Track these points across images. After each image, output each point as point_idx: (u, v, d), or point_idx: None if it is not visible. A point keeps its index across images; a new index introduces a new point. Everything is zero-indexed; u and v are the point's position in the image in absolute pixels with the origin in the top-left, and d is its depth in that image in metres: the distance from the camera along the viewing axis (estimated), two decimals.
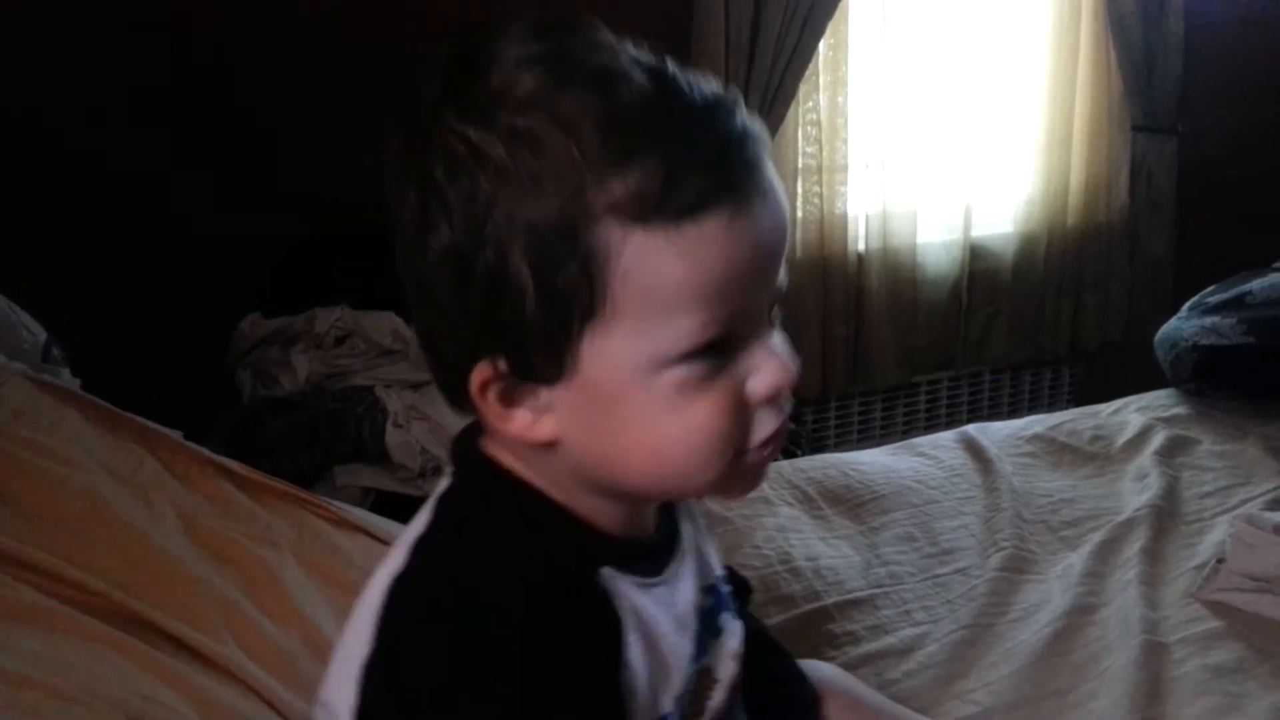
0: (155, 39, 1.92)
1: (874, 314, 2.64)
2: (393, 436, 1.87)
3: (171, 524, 0.94)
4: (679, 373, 0.54)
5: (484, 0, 1.31)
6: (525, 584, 0.56)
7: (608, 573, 0.60)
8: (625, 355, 0.54)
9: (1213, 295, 1.90)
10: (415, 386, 1.91)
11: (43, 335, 1.37)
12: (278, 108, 2.01)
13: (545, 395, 0.56)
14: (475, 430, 0.63)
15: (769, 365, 0.57)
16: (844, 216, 2.55)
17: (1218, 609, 1.24)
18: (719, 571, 0.75)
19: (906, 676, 1.14)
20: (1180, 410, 1.80)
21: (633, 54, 0.55)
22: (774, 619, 1.22)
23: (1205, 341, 1.78)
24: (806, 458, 1.70)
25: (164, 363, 1.94)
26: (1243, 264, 2.00)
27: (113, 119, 1.91)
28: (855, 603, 1.27)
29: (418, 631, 0.56)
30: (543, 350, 0.54)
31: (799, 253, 2.53)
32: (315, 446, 1.88)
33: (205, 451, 1.06)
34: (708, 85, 0.55)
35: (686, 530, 0.70)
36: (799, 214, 2.52)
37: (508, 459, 0.61)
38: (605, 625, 0.58)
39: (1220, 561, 1.30)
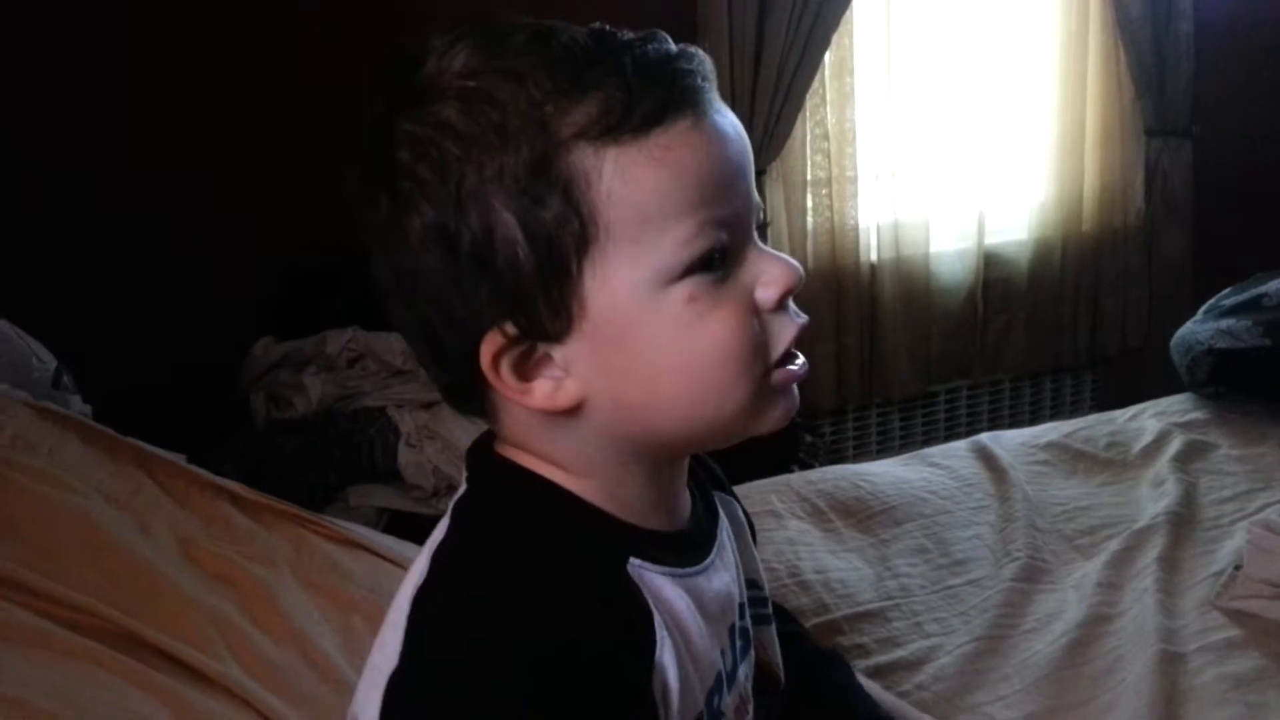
0: (160, 67, 1.94)
1: (888, 324, 2.63)
2: (405, 456, 1.88)
3: (168, 546, 0.94)
4: (686, 287, 0.54)
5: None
6: (545, 587, 0.54)
7: (636, 564, 0.57)
8: (629, 280, 0.53)
9: (1229, 298, 1.87)
10: (427, 406, 1.92)
11: (53, 363, 1.38)
12: (289, 131, 2.03)
13: (560, 357, 0.55)
14: (489, 437, 0.61)
15: (773, 269, 0.57)
16: (855, 227, 2.55)
17: (1236, 617, 1.22)
18: (757, 575, 0.73)
19: (918, 689, 1.13)
20: (1197, 415, 1.77)
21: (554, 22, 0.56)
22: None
23: (1221, 345, 1.76)
24: (817, 470, 1.69)
25: (177, 388, 1.95)
26: (1262, 265, 1.97)
27: (118, 145, 1.93)
28: (865, 615, 1.26)
29: (446, 644, 0.54)
30: (547, 300, 0.53)
31: (810, 264, 2.52)
32: (329, 468, 1.89)
33: (204, 473, 1.07)
34: (640, 31, 0.57)
35: (724, 522, 0.68)
36: (810, 226, 2.52)
37: (523, 458, 0.59)
38: (634, 623, 0.56)
39: (1238, 568, 1.27)
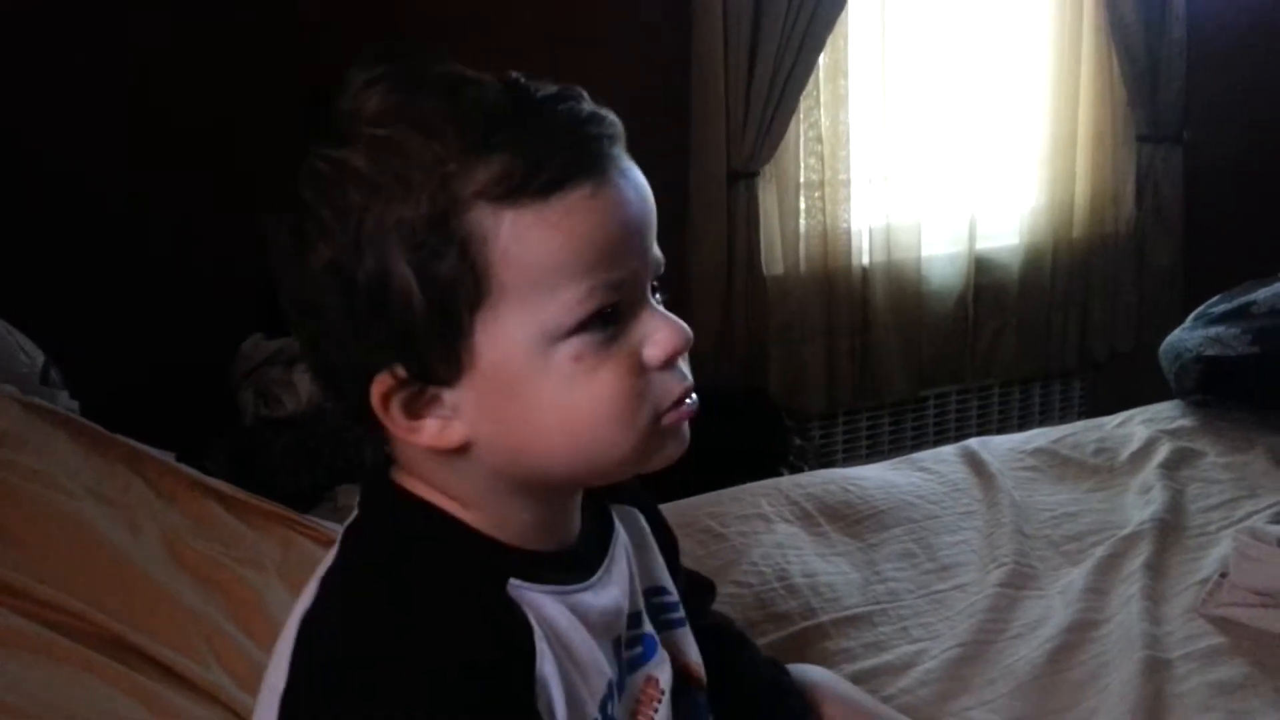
0: (154, 64, 1.93)
1: (879, 328, 2.63)
2: None
3: (156, 547, 0.94)
4: (574, 345, 0.56)
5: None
6: (425, 608, 0.56)
7: (515, 584, 0.59)
8: (519, 336, 0.55)
9: (1218, 305, 1.88)
10: None
11: (41, 358, 1.37)
12: (281, 129, 2.02)
13: (449, 399, 0.57)
14: (385, 463, 0.63)
15: (662, 329, 0.59)
16: (848, 231, 2.55)
17: (1221, 624, 1.22)
18: (663, 582, 0.75)
19: (903, 693, 1.13)
20: (1185, 422, 1.78)
21: (472, 71, 0.57)
22: (769, 636, 1.21)
23: (1210, 352, 1.76)
24: (806, 474, 1.69)
25: (166, 384, 1.94)
26: (1253, 272, 1.98)
27: (112, 142, 1.93)
28: (852, 620, 1.26)
29: (321, 668, 0.56)
30: (437, 348, 0.55)
31: (802, 267, 2.52)
32: (317, 466, 1.88)
33: (193, 472, 1.07)
34: (550, 85, 0.58)
35: (620, 535, 0.70)
36: (802, 229, 2.52)
37: (417, 486, 0.61)
38: (513, 638, 0.58)
39: (1224, 576, 1.28)
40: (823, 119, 2.48)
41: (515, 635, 0.58)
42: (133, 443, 1.07)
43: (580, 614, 0.62)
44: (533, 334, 0.55)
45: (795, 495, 1.53)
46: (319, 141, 0.56)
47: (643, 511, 0.77)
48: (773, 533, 1.43)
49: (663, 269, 0.61)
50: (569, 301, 0.55)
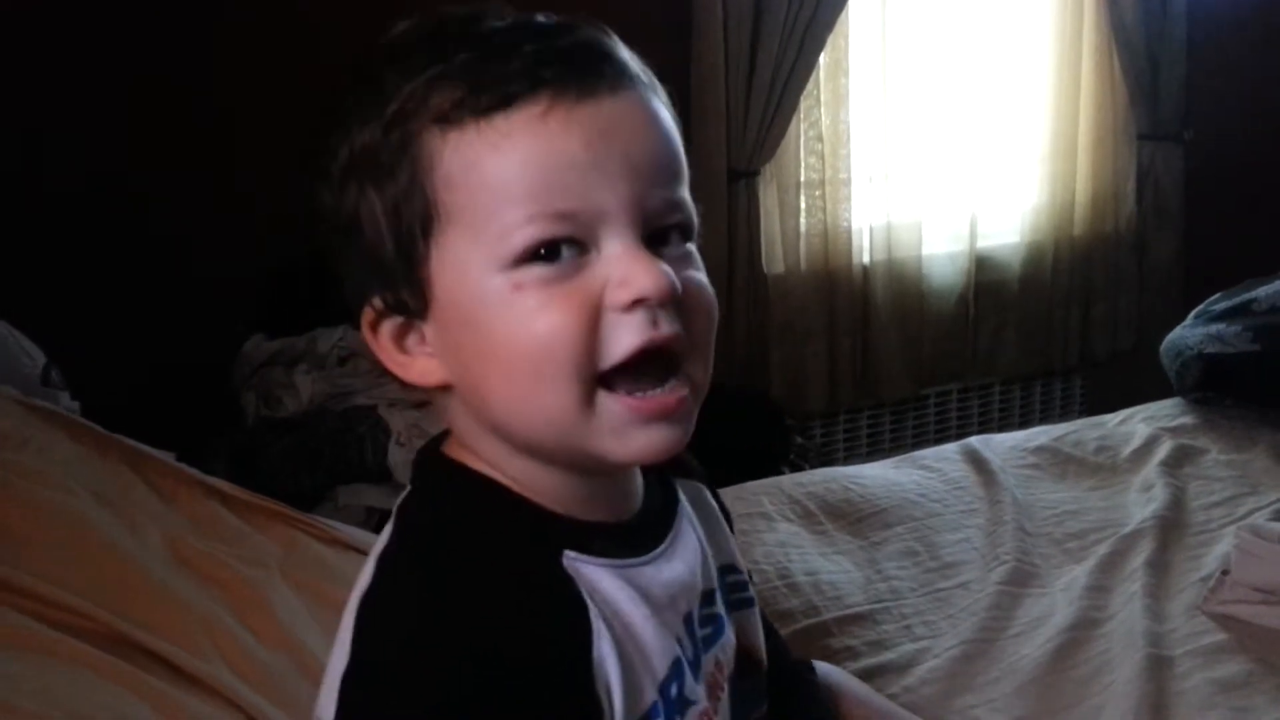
0: (157, 65, 1.93)
1: (880, 327, 2.63)
2: (395, 455, 1.87)
3: (158, 547, 0.94)
4: (516, 275, 0.52)
5: None
6: (479, 587, 0.55)
7: (571, 556, 0.57)
8: (465, 264, 0.53)
9: (1218, 303, 1.88)
10: (418, 405, 1.91)
11: (42, 359, 1.38)
12: (283, 130, 2.02)
13: (428, 335, 0.57)
14: (439, 438, 0.62)
15: (634, 268, 0.52)
16: (848, 230, 2.55)
17: (1224, 621, 1.22)
18: (735, 560, 0.72)
19: (906, 692, 1.13)
20: (1187, 420, 1.78)
21: (510, 12, 0.56)
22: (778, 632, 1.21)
23: (1210, 350, 1.77)
24: (807, 472, 1.69)
25: (168, 385, 1.94)
26: (1253, 270, 1.98)
27: (113, 141, 1.93)
28: (855, 618, 1.26)
29: (382, 649, 0.55)
30: (405, 278, 0.55)
31: (803, 266, 2.52)
32: (319, 466, 1.88)
33: (194, 472, 1.07)
34: (572, 20, 0.56)
35: (686, 509, 0.67)
36: (803, 228, 2.52)
37: (465, 455, 0.60)
38: (568, 617, 0.55)
39: (1226, 573, 1.28)
40: (823, 118, 2.48)
41: (571, 614, 0.55)
42: (134, 443, 1.07)
43: (641, 589, 0.59)
44: (477, 260, 0.53)
45: (797, 494, 1.53)
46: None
47: (707, 488, 0.74)
48: (775, 531, 1.43)
49: (685, 218, 0.56)
50: (507, 227, 0.52)
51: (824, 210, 2.52)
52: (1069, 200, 2.78)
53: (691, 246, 0.58)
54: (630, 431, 0.54)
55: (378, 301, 0.56)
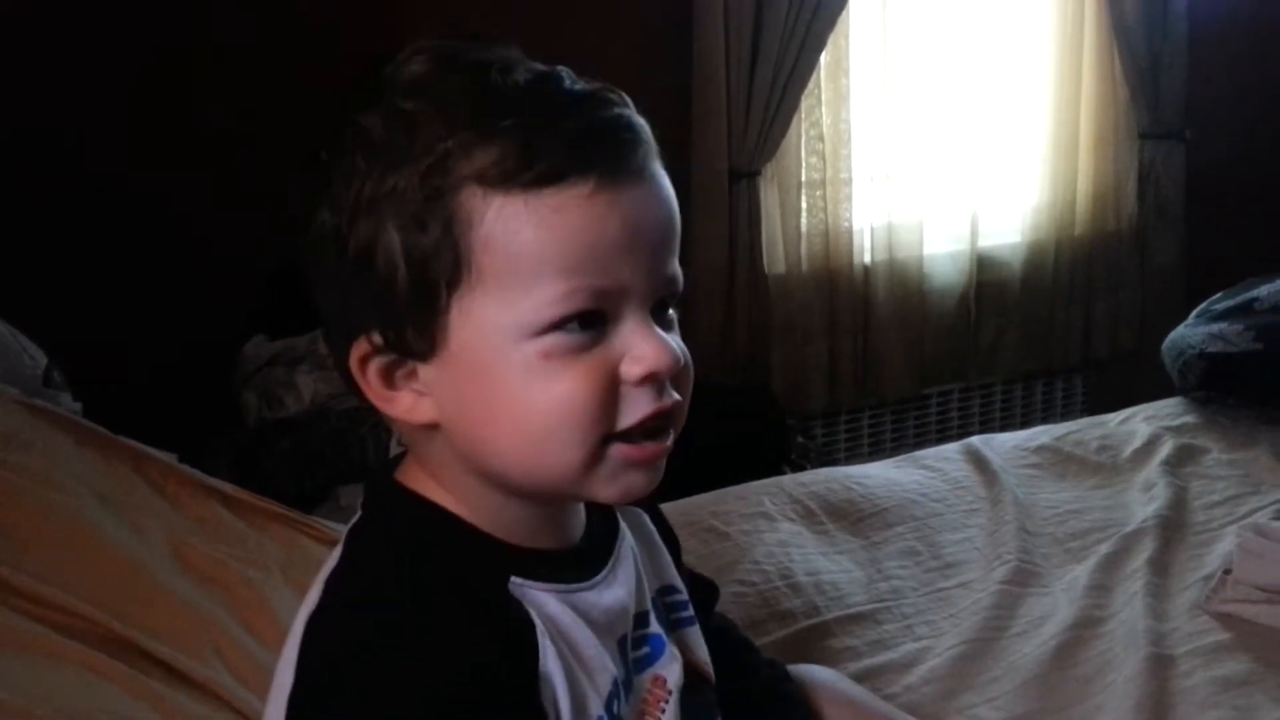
0: (158, 66, 1.94)
1: (881, 326, 2.63)
2: None
3: (161, 548, 0.94)
4: (546, 342, 0.55)
5: None
6: (427, 608, 0.56)
7: (517, 582, 0.59)
8: (491, 324, 0.55)
9: (1220, 302, 1.88)
10: None
11: (44, 360, 1.37)
12: (284, 130, 2.02)
13: (423, 375, 0.57)
14: (392, 464, 0.64)
15: (647, 346, 0.56)
16: (849, 229, 2.55)
17: (1225, 621, 1.22)
18: (673, 580, 0.75)
19: (907, 691, 1.13)
20: (1188, 419, 1.78)
21: (528, 61, 0.57)
22: (773, 634, 1.21)
23: (1212, 349, 1.76)
24: (809, 472, 1.69)
25: (169, 386, 1.95)
26: (1255, 269, 1.98)
27: (114, 142, 1.93)
28: (856, 618, 1.26)
29: (326, 669, 0.56)
30: (414, 321, 0.56)
31: (804, 266, 2.52)
32: (319, 467, 1.88)
33: (197, 474, 1.07)
34: (593, 84, 0.57)
35: (626, 536, 0.70)
36: (804, 227, 2.52)
37: (419, 483, 0.61)
38: (516, 635, 0.57)
39: (1228, 572, 1.28)
40: (824, 117, 2.48)
41: (517, 632, 0.57)
42: (136, 444, 1.07)
43: (583, 613, 0.62)
44: (506, 324, 0.54)
45: (798, 494, 1.53)
46: (355, 105, 0.56)
47: (647, 512, 0.77)
48: (776, 531, 1.43)
49: (679, 288, 0.59)
50: (545, 299, 0.54)
51: (825, 210, 2.52)
52: (1070, 199, 2.77)
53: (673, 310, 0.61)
54: (623, 475, 0.58)
55: (376, 338, 0.56)
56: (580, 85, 0.57)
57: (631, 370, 0.56)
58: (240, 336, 2.01)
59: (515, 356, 0.55)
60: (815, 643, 1.21)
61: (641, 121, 0.58)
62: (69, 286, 1.88)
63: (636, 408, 0.57)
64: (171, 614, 0.88)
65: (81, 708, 0.75)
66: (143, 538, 0.94)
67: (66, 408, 1.26)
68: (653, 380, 0.57)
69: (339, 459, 1.87)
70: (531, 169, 0.53)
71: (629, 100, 0.58)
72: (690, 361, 0.60)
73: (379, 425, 1.91)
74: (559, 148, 0.54)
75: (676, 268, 0.59)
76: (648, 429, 0.58)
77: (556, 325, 0.55)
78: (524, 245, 0.53)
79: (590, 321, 0.55)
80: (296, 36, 2.01)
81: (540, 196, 0.53)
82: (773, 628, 1.23)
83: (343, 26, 2.01)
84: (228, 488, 1.07)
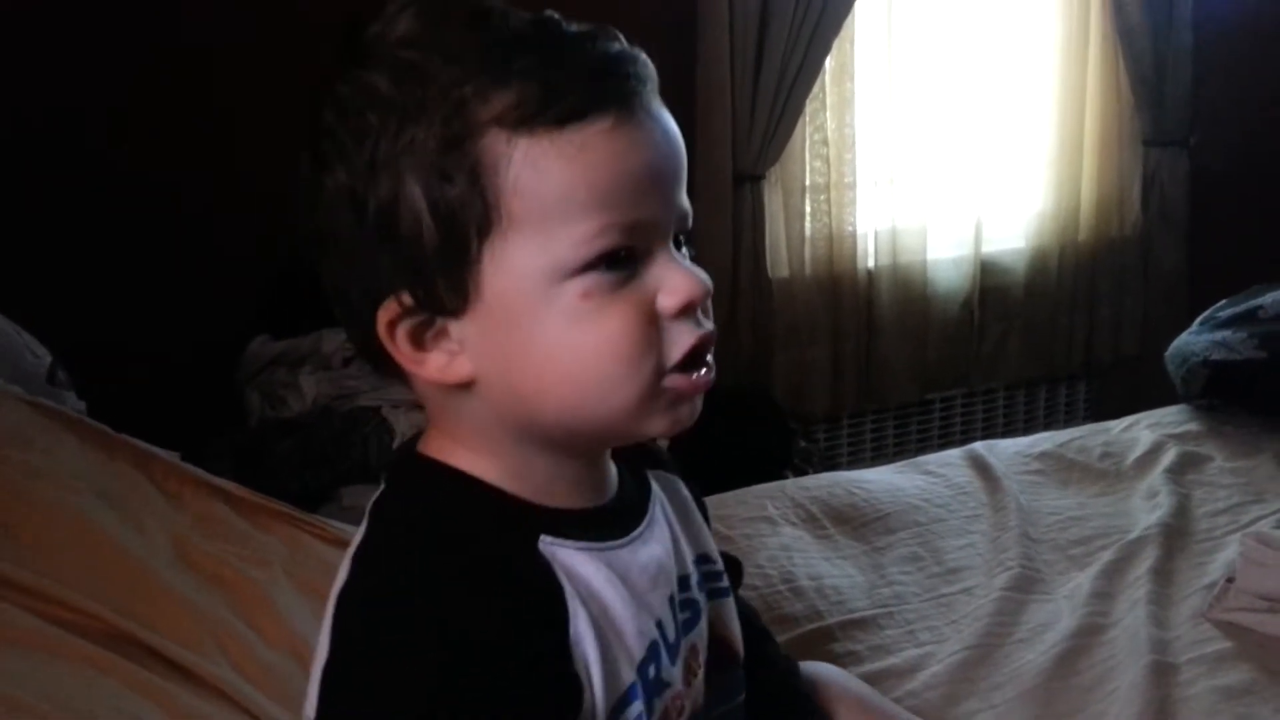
0: (162, 65, 1.94)
1: (885, 331, 2.63)
2: None
3: (164, 546, 0.94)
4: (583, 282, 0.54)
5: None
6: (453, 577, 0.55)
7: (547, 541, 0.58)
8: (526, 268, 0.54)
9: (1224, 309, 1.88)
10: (422, 407, 1.91)
11: (48, 358, 1.38)
12: (287, 129, 2.02)
13: (456, 331, 0.56)
14: (414, 439, 0.63)
15: (678, 277, 0.57)
16: (853, 234, 2.55)
17: (1228, 629, 1.22)
18: (710, 550, 0.73)
19: (909, 696, 1.13)
20: (1192, 426, 1.77)
21: (514, 9, 0.57)
22: (776, 638, 1.20)
23: (1216, 356, 1.76)
24: (811, 476, 1.69)
25: (172, 385, 1.95)
26: (1259, 276, 1.98)
27: (119, 141, 1.93)
28: (858, 622, 1.26)
29: (361, 643, 0.56)
30: (445, 275, 0.54)
31: (808, 270, 2.53)
32: (322, 467, 1.88)
33: (200, 472, 1.07)
34: (586, 25, 0.57)
35: (659, 496, 0.69)
36: (808, 232, 2.52)
37: (442, 450, 0.60)
38: (544, 600, 0.57)
39: (1230, 581, 1.27)
40: (829, 122, 2.48)
41: (546, 595, 0.57)
42: (139, 443, 1.07)
43: (619, 571, 0.61)
44: (541, 267, 0.54)
45: (800, 498, 1.53)
46: (344, 65, 0.55)
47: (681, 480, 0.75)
48: (778, 535, 1.43)
49: (689, 221, 0.59)
50: (579, 237, 0.54)
51: (829, 214, 2.52)
52: (1074, 205, 2.78)
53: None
54: (674, 408, 0.58)
55: (406, 298, 0.55)
56: (578, 26, 0.57)
57: (667, 303, 0.56)
58: (244, 336, 2.01)
59: (555, 300, 0.54)
60: (817, 647, 1.21)
61: (646, 56, 0.58)
62: (73, 285, 1.89)
63: (681, 339, 0.57)
64: (174, 611, 0.88)
65: (84, 704, 0.75)
66: (145, 536, 0.94)
67: (71, 406, 1.26)
68: (689, 310, 0.57)
69: (341, 459, 1.88)
70: (552, 108, 0.53)
71: (621, 35, 0.58)
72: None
73: (381, 425, 1.91)
74: (576, 86, 0.53)
75: (687, 201, 0.59)
76: (695, 358, 0.58)
77: (592, 265, 0.54)
78: (555, 185, 0.53)
79: (618, 260, 0.55)
80: (298, 35, 2.01)
81: (565, 135, 0.53)
82: (775, 632, 1.21)
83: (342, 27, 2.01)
84: (231, 487, 1.07)
